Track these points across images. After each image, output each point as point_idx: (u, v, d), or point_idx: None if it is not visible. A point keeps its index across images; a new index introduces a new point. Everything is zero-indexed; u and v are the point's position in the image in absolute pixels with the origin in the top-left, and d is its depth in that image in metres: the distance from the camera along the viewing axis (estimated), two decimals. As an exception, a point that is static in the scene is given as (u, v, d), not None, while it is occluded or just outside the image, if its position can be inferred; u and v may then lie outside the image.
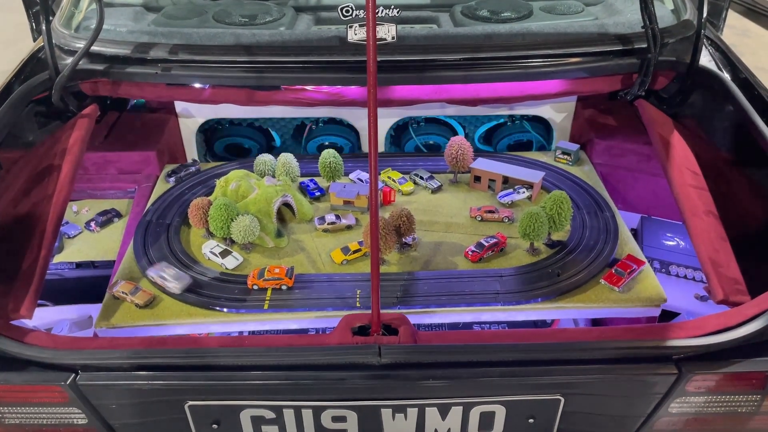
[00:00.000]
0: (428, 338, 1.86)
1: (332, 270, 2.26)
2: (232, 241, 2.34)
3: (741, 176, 2.42)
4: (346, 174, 2.80)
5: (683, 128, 2.62)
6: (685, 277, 2.55)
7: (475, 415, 1.87)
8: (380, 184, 2.72)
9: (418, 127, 3.40)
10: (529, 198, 2.62)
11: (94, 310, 2.46)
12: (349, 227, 2.46)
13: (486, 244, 2.27)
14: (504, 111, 3.17)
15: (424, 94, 2.82)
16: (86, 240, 2.65)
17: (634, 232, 2.77)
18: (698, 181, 2.34)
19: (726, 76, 2.55)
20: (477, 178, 2.70)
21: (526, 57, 2.57)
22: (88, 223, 2.70)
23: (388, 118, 3.18)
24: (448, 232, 2.43)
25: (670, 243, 2.64)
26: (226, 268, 2.26)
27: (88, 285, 2.56)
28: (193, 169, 2.83)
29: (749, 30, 6.88)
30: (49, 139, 2.53)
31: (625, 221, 2.81)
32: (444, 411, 1.86)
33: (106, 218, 2.71)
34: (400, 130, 3.43)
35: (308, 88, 2.77)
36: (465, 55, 2.56)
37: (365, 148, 3.32)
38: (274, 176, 2.68)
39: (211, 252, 2.29)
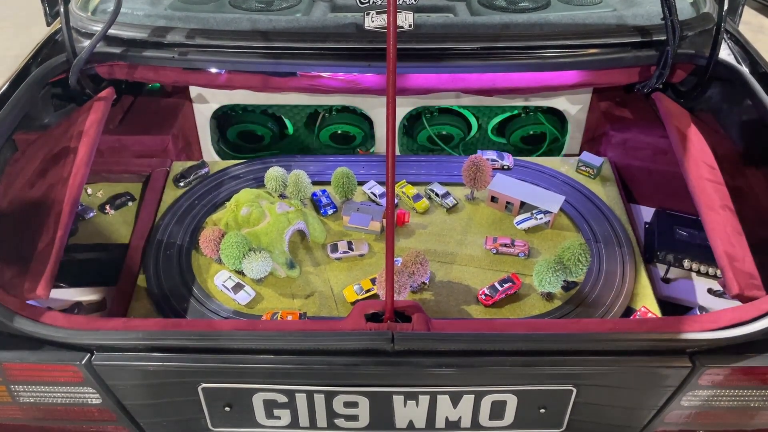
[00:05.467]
0: (441, 326, 1.86)
1: (344, 310, 2.22)
2: (243, 273, 2.32)
3: (758, 171, 2.40)
4: (360, 183, 2.73)
5: (700, 122, 2.59)
6: (698, 271, 2.53)
7: (486, 403, 1.88)
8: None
9: (431, 117, 3.39)
10: (547, 224, 2.55)
11: (107, 292, 2.48)
12: (361, 256, 2.43)
13: (500, 288, 2.24)
14: (519, 102, 3.16)
15: (439, 83, 2.80)
16: (101, 222, 2.67)
17: (649, 226, 2.76)
18: (715, 175, 2.32)
19: (745, 69, 2.52)
20: (494, 198, 2.63)
21: (543, 47, 2.55)
22: (102, 206, 2.71)
23: (401, 108, 3.17)
24: (462, 265, 2.39)
25: (685, 237, 2.62)
26: (239, 304, 2.25)
27: (103, 267, 2.57)
28: (202, 172, 2.80)
29: (764, 27, 6.80)
30: (65, 122, 2.54)
31: (639, 215, 2.79)
32: (456, 399, 1.86)
33: (121, 201, 2.72)
34: (413, 120, 3.43)
35: (324, 74, 2.76)
36: (482, 44, 2.54)
37: (378, 137, 3.31)
38: (285, 189, 2.63)
39: (223, 285, 2.28)
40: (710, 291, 2.49)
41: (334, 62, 2.53)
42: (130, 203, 2.75)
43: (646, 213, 2.84)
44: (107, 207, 2.70)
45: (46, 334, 1.77)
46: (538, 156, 3.40)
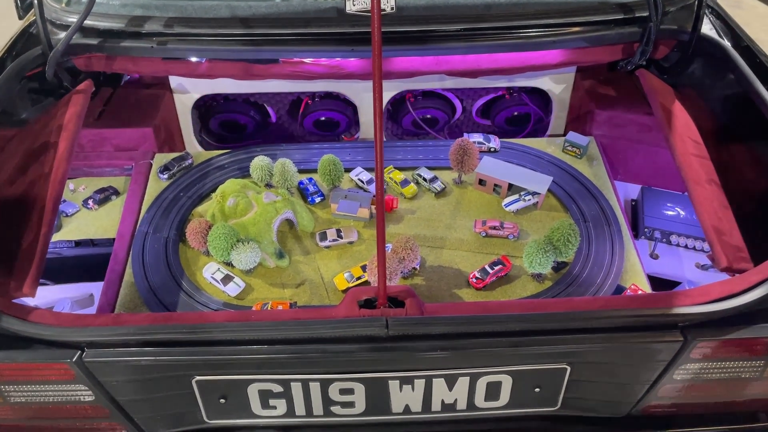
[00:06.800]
0: (435, 310, 1.85)
1: (335, 298, 2.21)
2: (232, 264, 2.30)
3: (742, 144, 2.41)
4: (347, 170, 2.70)
5: (684, 97, 2.60)
6: (686, 246, 2.56)
7: (482, 385, 1.88)
8: None
9: (415, 101, 3.37)
10: (536, 205, 2.55)
11: (94, 288, 2.45)
12: (351, 243, 2.41)
13: (490, 271, 2.24)
14: (503, 83, 3.14)
15: (423, 65, 2.78)
16: (84, 218, 2.63)
17: (635, 203, 2.77)
18: (700, 150, 2.34)
19: (727, 44, 2.53)
20: (482, 181, 2.63)
21: (526, 27, 2.54)
22: (85, 201, 2.67)
23: (385, 92, 3.14)
24: (452, 249, 2.38)
25: (671, 213, 2.64)
26: (229, 296, 2.22)
27: (88, 263, 2.54)
28: (186, 163, 2.75)
29: (742, 1, 6.84)
30: (43, 116, 2.49)
31: (626, 192, 2.80)
32: (451, 382, 1.86)
33: (104, 196, 2.68)
34: (397, 105, 3.40)
35: (306, 60, 2.73)
36: (465, 25, 2.52)
37: (364, 122, 3.28)
38: (271, 178, 2.60)
39: (212, 277, 2.26)
40: (698, 265, 2.52)
41: (317, 48, 2.50)
42: (113, 197, 2.71)
43: (632, 190, 2.86)
44: (90, 202, 2.66)
45: (35, 332, 1.74)
46: (524, 137, 3.39)
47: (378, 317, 1.75)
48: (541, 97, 3.35)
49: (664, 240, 2.57)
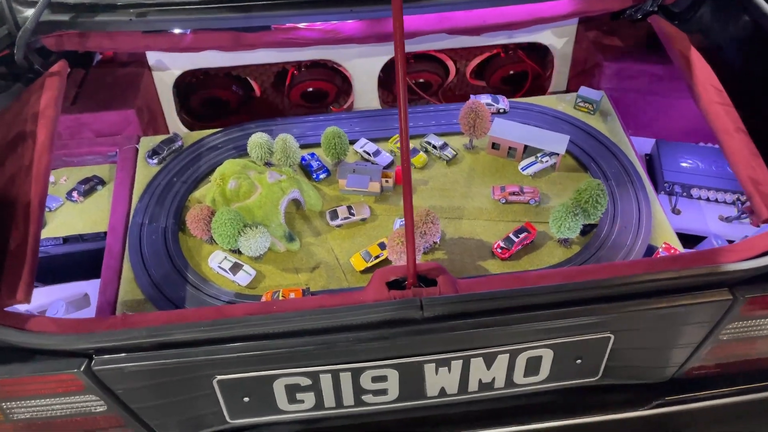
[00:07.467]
0: (469, 286, 1.73)
1: (354, 280, 2.06)
2: (240, 251, 2.13)
3: (762, 86, 2.31)
4: (350, 143, 2.54)
5: (698, 43, 2.48)
6: (708, 199, 2.48)
7: (521, 361, 1.78)
8: (389, 158, 2.49)
9: (407, 64, 3.20)
10: (553, 167, 2.42)
11: (89, 286, 2.28)
12: (363, 220, 2.25)
13: (515, 240, 2.11)
14: (502, 40, 2.99)
15: (426, 24, 2.61)
16: (70, 212, 2.44)
17: (649, 158, 2.67)
18: (723, 97, 2.23)
19: (742, -18, 2.40)
20: (495, 145, 2.48)
21: None
22: (69, 194, 2.47)
23: (378, 57, 2.97)
24: (471, 219, 2.25)
25: (689, 165, 2.54)
26: (240, 285, 2.07)
27: (79, 260, 2.36)
28: (176, 145, 2.56)
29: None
30: (16, 104, 2.27)
31: (642, 145, 2.69)
32: (490, 360, 1.76)
33: (89, 186, 2.49)
34: (388, 70, 3.23)
35: (300, 26, 2.54)
36: None
37: (358, 90, 3.11)
38: (271, 156, 2.42)
39: (220, 267, 2.09)
40: (721, 218, 2.43)
41: (312, 10, 2.30)
42: (99, 187, 2.51)
43: (643, 145, 2.75)
44: (75, 194, 2.46)
45: (37, 342, 1.58)
46: (522, 96, 3.26)
47: (411, 298, 1.62)
48: (538, 54, 3.21)
49: (685, 194, 2.48)
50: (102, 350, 1.60)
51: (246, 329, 1.61)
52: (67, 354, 1.60)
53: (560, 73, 3.11)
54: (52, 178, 2.54)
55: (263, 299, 2.00)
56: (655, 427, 2.00)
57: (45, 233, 2.35)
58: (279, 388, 1.74)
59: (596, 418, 1.99)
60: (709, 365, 1.92)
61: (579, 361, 1.82)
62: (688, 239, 2.41)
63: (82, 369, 1.57)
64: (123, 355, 1.60)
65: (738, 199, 2.43)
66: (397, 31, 1.34)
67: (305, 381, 1.73)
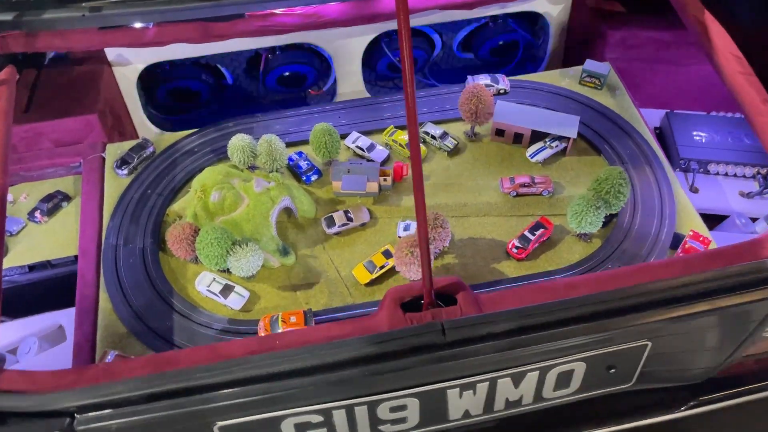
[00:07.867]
0: (492, 301, 1.56)
1: (359, 295, 1.89)
2: (228, 270, 1.94)
3: None
4: (342, 137, 2.34)
5: (710, 5, 2.30)
6: (726, 174, 2.32)
7: (552, 376, 1.63)
8: (385, 152, 2.28)
9: (390, 41, 2.97)
10: (564, 151, 2.24)
11: (63, 317, 2.06)
12: (362, 225, 2.07)
13: (531, 237, 1.95)
14: (495, 11, 2.76)
15: (417, 1, 2.38)
16: (34, 234, 2.21)
17: (659, 131, 2.49)
18: (744, 66, 2.07)
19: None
20: (499, 131, 2.28)
21: None
22: (31, 213, 2.24)
23: (362, 36, 2.74)
24: (480, 216, 2.07)
25: (703, 138, 2.38)
26: (233, 309, 1.87)
27: (50, 287, 2.13)
28: (147, 152, 2.33)
29: None
30: (-40, 119, 2.00)
31: (648, 118, 2.52)
32: (518, 379, 1.60)
33: (53, 204, 2.25)
34: (370, 48, 2.99)
35: (277, 11, 2.29)
36: None
37: (340, 75, 2.88)
38: (255, 160, 2.20)
39: (208, 290, 1.89)
40: (742, 194, 2.29)
41: None
42: (65, 204, 2.28)
43: (653, 116, 2.57)
44: (38, 213, 2.23)
45: (8, 405, 1.37)
46: (516, 69, 3.06)
47: (431, 322, 1.47)
48: (528, 22, 3.00)
49: (701, 170, 2.32)
50: (85, 408, 1.41)
51: (248, 371, 1.43)
52: (44, 415, 1.40)
53: (556, 44, 2.90)
54: (10, 197, 2.29)
55: (261, 325, 1.80)
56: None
57: (8, 261, 2.12)
58: (287, 427, 1.57)
59: (628, 425, 1.86)
60: (749, 362, 1.79)
61: (612, 370, 1.67)
62: (708, 218, 2.26)
63: (63, 430, 1.37)
64: (109, 411, 1.41)
65: (758, 173, 2.28)
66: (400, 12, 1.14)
67: (317, 418, 1.57)
